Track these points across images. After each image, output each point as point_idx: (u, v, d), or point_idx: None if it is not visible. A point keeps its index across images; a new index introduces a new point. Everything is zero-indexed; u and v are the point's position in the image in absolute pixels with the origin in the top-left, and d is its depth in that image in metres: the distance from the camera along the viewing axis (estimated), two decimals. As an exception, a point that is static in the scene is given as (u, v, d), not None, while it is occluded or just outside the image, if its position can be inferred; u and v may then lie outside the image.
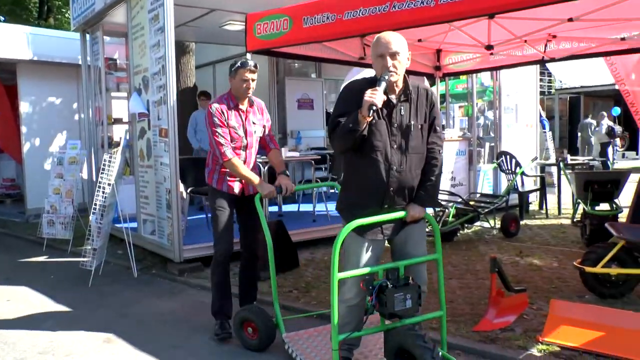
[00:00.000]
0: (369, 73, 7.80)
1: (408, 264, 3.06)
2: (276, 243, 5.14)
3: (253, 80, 3.93)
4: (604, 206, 6.59)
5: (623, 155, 22.10)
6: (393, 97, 3.00)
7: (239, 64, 3.91)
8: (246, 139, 4.03)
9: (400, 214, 3.02)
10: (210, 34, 8.95)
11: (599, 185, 6.41)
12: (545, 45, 6.24)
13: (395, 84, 2.99)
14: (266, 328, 3.73)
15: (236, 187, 4.07)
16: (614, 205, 6.53)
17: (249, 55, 4.99)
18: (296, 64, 11.08)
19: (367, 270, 2.99)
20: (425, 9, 3.70)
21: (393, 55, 2.93)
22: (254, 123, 4.08)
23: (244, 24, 5.19)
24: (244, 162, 4.02)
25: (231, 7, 7.23)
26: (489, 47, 5.76)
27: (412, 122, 3.02)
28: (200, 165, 7.16)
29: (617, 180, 6.46)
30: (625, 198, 6.76)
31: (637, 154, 22.17)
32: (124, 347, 3.99)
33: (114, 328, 4.36)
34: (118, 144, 6.38)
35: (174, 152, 5.66)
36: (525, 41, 6.07)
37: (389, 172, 2.98)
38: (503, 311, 4.12)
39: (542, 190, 9.07)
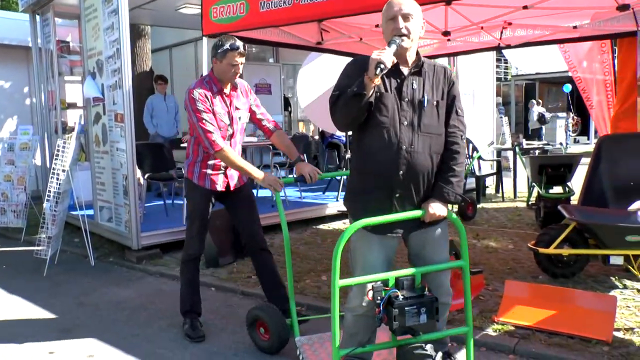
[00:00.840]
0: (326, 59, 7.79)
1: (426, 272, 2.66)
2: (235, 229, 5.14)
3: (242, 64, 3.54)
4: (557, 189, 6.79)
5: (575, 140, 22.78)
6: (405, 69, 2.64)
7: (227, 45, 3.46)
8: (232, 127, 3.64)
9: (416, 212, 2.60)
10: (166, 17, 8.77)
11: (553, 168, 6.60)
12: (501, 32, 6.35)
13: (407, 55, 2.63)
14: (278, 330, 3.38)
15: (219, 182, 3.70)
16: (567, 188, 6.73)
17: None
18: (254, 49, 10.98)
19: (373, 277, 2.55)
20: (383, -6, 3.69)
21: (405, 17, 2.57)
22: (237, 108, 3.68)
23: (200, 7, 5.11)
24: None
25: (187, -10, 7.11)
26: (446, 33, 5.84)
27: (426, 97, 2.62)
28: (157, 151, 7.14)
29: (569, 164, 6.66)
30: (577, 181, 6.97)
31: (588, 139, 22.85)
32: (81, 336, 3.91)
33: (71, 317, 4.28)
34: (72, 129, 6.21)
35: (131, 138, 5.55)
36: (482, 28, 6.16)
37: (398, 152, 2.58)
38: (460, 293, 4.20)
39: (499, 174, 9.29)
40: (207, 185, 3.67)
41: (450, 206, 2.66)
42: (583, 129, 23.83)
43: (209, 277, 5.05)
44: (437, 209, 2.62)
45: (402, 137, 2.59)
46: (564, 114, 21.40)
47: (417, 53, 2.68)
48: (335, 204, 7.63)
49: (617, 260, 4.35)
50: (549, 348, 3.39)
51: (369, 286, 2.58)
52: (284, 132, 3.83)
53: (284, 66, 11.30)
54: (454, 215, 2.69)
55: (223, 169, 3.69)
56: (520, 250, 5.60)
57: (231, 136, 3.65)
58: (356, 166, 2.76)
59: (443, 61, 10.30)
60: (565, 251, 4.59)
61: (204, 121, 3.45)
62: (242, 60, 3.52)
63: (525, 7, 5.11)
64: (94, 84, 6.12)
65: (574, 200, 6.48)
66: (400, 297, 2.44)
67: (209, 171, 3.66)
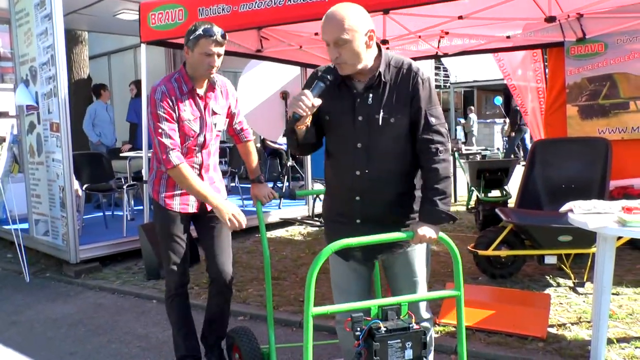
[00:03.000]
0: (266, 66, 7.82)
1: (412, 302, 2.33)
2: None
3: (219, 55, 2.87)
4: (495, 193, 7.01)
5: (512, 145, 23.58)
6: (359, 83, 2.30)
7: (200, 31, 2.80)
8: (204, 135, 2.99)
9: (402, 234, 2.26)
10: (103, 23, 8.58)
11: (491, 173, 6.81)
12: (439, 41, 6.54)
13: (360, 68, 2.25)
14: (249, 357, 3.03)
15: (191, 202, 3.04)
16: (504, 192, 6.95)
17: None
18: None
19: (353, 306, 2.20)
20: (320, 4, 3.75)
21: (337, 43, 2.18)
22: (215, 113, 3.03)
23: (138, 13, 5.03)
24: (200, 167, 3.01)
25: (124, -5, 6.98)
26: (385, 42, 5.95)
27: (382, 114, 2.26)
28: (96, 161, 6.95)
29: (506, 168, 6.89)
30: (514, 185, 7.22)
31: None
32: (14, 356, 3.74)
33: (2, 338, 4.08)
34: (3, 140, 5.97)
35: (67, 148, 5.37)
36: (420, 37, 6.32)
37: (352, 177, 2.32)
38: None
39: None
40: (176, 207, 3.02)
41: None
42: (519, 135, 24.69)
43: (150, 290, 4.93)
44: (427, 231, 2.27)
45: (356, 161, 2.31)
46: (501, 120, 22.14)
47: (380, 55, 2.30)
48: (277, 211, 7.62)
49: (551, 259, 4.54)
50: (488, 347, 3.50)
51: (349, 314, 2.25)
52: (253, 145, 3.29)
53: (224, 73, 11.14)
54: (446, 238, 2.32)
55: None
56: (461, 253, 5.72)
57: (202, 147, 3.00)
58: (326, 188, 2.56)
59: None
60: (503, 252, 4.74)
61: (160, 131, 2.82)
62: (219, 50, 2.85)
63: (460, 17, 5.27)
64: (27, 92, 5.90)
65: (511, 203, 6.71)
66: (383, 329, 2.11)
67: (178, 190, 3.00)
